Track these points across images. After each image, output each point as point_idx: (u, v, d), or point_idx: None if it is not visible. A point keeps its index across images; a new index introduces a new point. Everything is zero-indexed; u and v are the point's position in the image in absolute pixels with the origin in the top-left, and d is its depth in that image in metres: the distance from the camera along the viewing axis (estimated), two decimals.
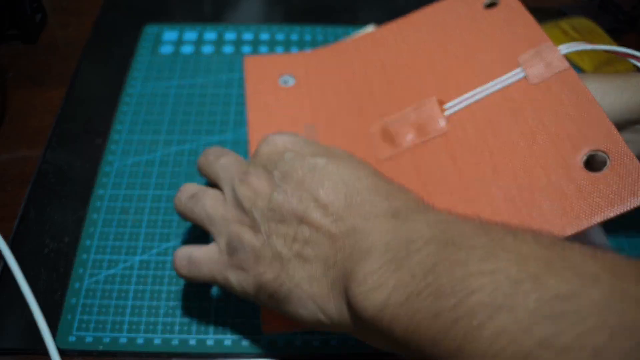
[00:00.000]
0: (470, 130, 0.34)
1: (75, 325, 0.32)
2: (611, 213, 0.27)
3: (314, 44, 0.50)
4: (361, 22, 0.53)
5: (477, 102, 0.35)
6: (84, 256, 0.35)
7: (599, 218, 0.28)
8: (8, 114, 0.43)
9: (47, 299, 0.33)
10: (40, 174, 0.39)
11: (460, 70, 0.38)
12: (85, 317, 0.32)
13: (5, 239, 0.35)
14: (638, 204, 0.27)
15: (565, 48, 0.33)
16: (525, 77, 0.34)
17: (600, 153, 0.29)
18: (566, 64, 0.33)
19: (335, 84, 0.43)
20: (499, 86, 0.35)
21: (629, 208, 0.27)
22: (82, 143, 0.41)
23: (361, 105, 0.40)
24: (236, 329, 0.32)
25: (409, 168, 0.35)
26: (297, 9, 0.54)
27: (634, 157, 0.28)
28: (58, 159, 0.40)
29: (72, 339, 0.31)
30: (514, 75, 0.34)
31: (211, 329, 0.32)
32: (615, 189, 0.28)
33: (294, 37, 0.50)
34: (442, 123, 0.35)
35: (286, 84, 0.44)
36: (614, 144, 0.29)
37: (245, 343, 0.32)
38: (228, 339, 0.32)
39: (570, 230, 0.28)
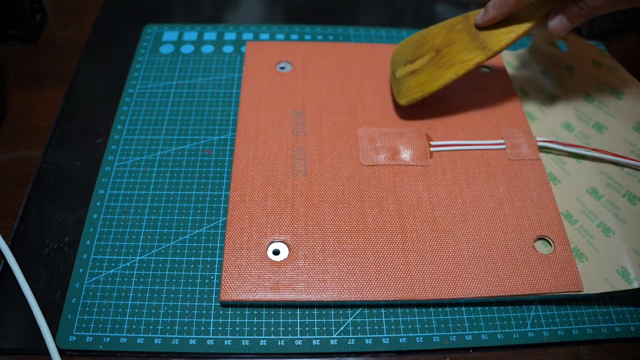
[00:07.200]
0: (449, 173, 0.39)
1: (75, 325, 0.32)
2: (548, 291, 0.33)
3: None
4: (361, 22, 0.53)
5: (459, 151, 0.40)
6: (84, 256, 0.35)
7: (539, 291, 0.33)
8: (8, 114, 0.43)
9: (47, 299, 0.33)
10: (40, 174, 0.39)
11: (449, 116, 0.42)
12: (85, 317, 0.32)
13: (5, 239, 0.35)
14: (570, 291, 0.33)
15: (541, 140, 0.40)
16: (504, 149, 0.40)
17: (548, 239, 0.36)
18: (538, 155, 0.39)
19: (330, 79, 0.45)
20: (481, 147, 0.40)
21: (562, 291, 0.33)
22: (82, 143, 0.41)
23: (351, 106, 0.43)
24: (236, 329, 0.32)
25: (387, 181, 0.38)
26: (297, 9, 0.54)
27: (571, 252, 0.35)
28: (58, 159, 0.40)
29: (72, 338, 0.31)
30: (497, 144, 0.40)
31: (211, 329, 0.32)
32: (555, 273, 0.34)
33: (294, 37, 0.50)
34: (427, 156, 0.39)
35: (283, 70, 0.45)
36: (561, 236, 0.36)
37: (245, 343, 0.32)
38: (228, 339, 0.32)
39: (517, 291, 0.33)
